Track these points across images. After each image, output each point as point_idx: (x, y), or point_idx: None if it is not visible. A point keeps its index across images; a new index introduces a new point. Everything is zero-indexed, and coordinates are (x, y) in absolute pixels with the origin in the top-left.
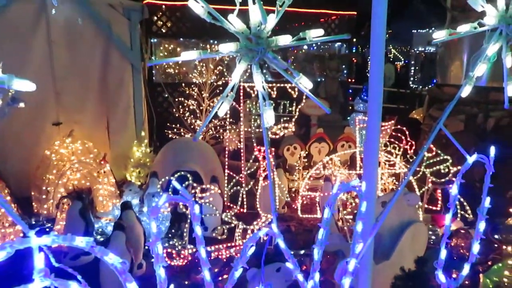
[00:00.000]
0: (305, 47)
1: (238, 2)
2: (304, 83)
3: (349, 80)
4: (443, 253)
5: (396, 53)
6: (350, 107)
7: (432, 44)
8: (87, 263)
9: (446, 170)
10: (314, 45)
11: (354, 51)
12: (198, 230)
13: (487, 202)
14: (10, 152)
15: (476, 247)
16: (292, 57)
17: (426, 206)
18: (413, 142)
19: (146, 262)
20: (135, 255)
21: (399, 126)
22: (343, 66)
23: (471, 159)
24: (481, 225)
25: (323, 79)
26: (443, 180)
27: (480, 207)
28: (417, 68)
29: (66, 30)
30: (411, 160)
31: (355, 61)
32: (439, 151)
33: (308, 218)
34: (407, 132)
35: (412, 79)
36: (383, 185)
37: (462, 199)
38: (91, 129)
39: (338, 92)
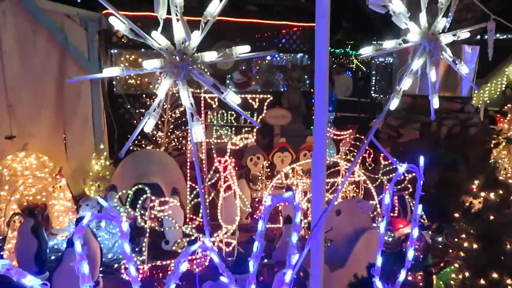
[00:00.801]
0: (268, 57)
1: (161, 19)
2: (232, 98)
3: (311, 90)
4: (379, 261)
5: (358, 63)
6: (312, 117)
7: (361, 58)
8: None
9: (402, 177)
10: (276, 56)
11: None
12: (126, 247)
13: (419, 209)
14: None
15: (410, 253)
16: (257, 67)
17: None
18: (371, 151)
19: (104, 279)
20: (91, 272)
21: (357, 135)
22: (305, 77)
23: (401, 168)
24: (415, 232)
25: (286, 89)
26: (399, 187)
27: (413, 215)
28: (377, 78)
29: (19, 40)
30: (369, 168)
31: None
32: (395, 159)
33: (270, 228)
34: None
35: (373, 88)
36: (344, 193)
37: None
38: (47, 142)
39: (300, 102)
